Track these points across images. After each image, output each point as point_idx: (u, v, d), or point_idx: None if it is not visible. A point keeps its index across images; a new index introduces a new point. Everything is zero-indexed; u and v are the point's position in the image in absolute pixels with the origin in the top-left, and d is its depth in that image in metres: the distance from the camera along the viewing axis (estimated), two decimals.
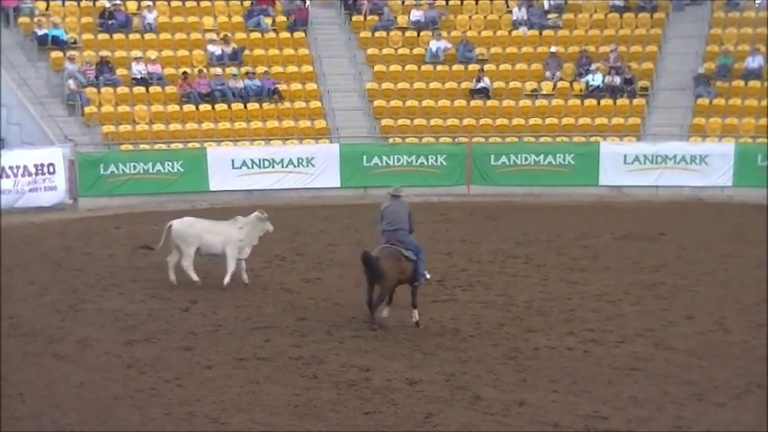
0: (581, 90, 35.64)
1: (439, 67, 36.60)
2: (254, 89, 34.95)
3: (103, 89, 33.91)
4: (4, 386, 13.80)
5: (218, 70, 35.49)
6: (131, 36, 36.12)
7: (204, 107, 34.27)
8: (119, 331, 16.84)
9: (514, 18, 38.01)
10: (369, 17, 38.04)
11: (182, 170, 31.83)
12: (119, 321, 17.48)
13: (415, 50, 37.15)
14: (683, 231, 26.42)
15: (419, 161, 32.93)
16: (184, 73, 34.68)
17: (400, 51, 37.15)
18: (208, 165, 32.02)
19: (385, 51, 37.10)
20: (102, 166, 31.24)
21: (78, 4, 36.66)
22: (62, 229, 27.15)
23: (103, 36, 35.89)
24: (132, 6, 37.12)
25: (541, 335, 16.50)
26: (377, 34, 37.51)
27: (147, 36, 36.30)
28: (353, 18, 38.10)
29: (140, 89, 34.37)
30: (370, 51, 37.06)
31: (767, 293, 19.08)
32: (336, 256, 22.67)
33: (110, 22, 36.03)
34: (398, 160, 32.93)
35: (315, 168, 32.50)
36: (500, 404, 13.21)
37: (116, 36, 35.96)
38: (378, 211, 17.49)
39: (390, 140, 34.30)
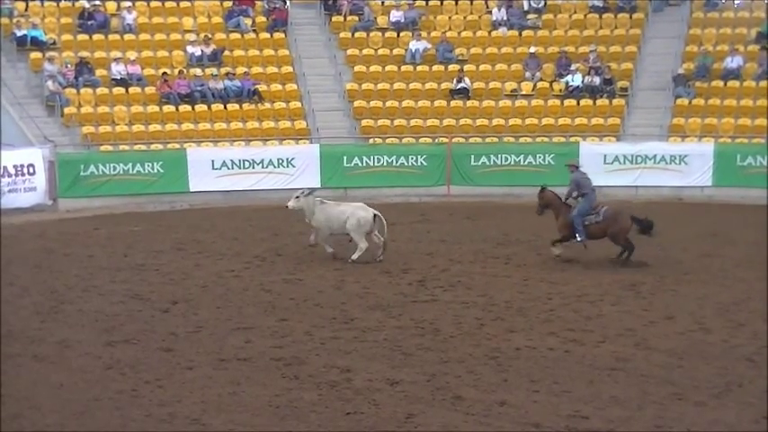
0: (561, 90, 35.75)
1: (419, 68, 36.65)
2: (233, 90, 34.93)
3: (83, 90, 33.84)
4: None
5: (198, 71, 35.46)
6: (111, 37, 36.06)
7: (184, 108, 34.23)
8: (99, 332, 16.78)
9: (494, 19, 38.10)
10: (349, 18, 38.07)
11: (162, 171, 31.80)
12: (99, 322, 17.41)
13: (395, 51, 37.19)
14: (663, 231, 26.39)
15: (399, 161, 32.96)
16: (164, 74, 34.63)
17: (380, 52, 37.18)
18: (188, 165, 31.99)
19: (365, 52, 37.12)
20: (81, 166, 31.19)
21: (57, 5, 36.57)
22: (42, 231, 27.05)
23: (83, 37, 35.81)
24: (112, 7, 37.05)
25: (522, 335, 16.51)
26: (357, 35, 37.52)
27: (126, 37, 36.24)
28: (333, 18, 38.12)
29: (120, 90, 34.31)
30: (350, 52, 37.07)
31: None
32: (317, 257, 22.63)
33: (89, 22, 35.95)
34: (378, 161, 32.96)
35: (295, 169, 32.48)
36: (481, 404, 13.20)
37: (95, 37, 35.90)
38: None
39: (370, 141, 34.32)
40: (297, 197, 22.66)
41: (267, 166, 32.47)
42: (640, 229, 22.37)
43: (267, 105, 35.10)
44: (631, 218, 22.31)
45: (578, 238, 22.23)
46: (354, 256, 22.09)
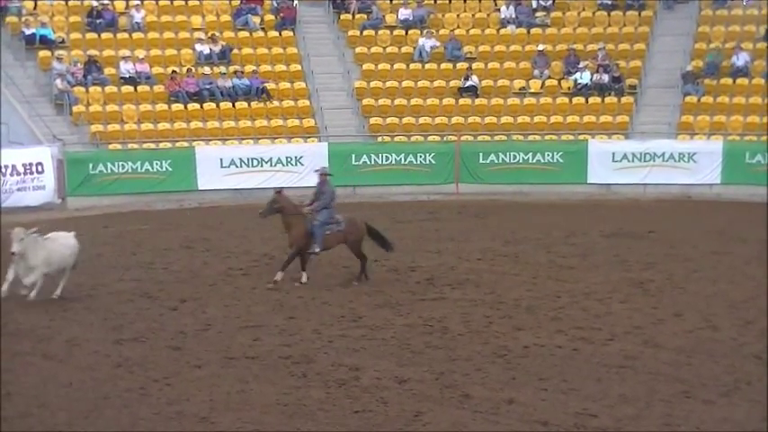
0: (569, 88, 35.70)
1: (427, 66, 36.61)
2: (242, 88, 34.94)
3: (92, 88, 33.86)
4: None
5: (207, 69, 35.47)
6: (119, 35, 36.06)
7: (193, 106, 34.24)
8: (107, 330, 16.81)
9: (503, 16, 38.05)
10: (357, 16, 38.05)
11: (170, 169, 31.84)
12: (107, 321, 17.44)
13: (404, 49, 37.16)
14: (672, 229, 26.47)
15: (408, 160, 32.96)
16: (173, 72, 34.64)
17: (389, 50, 37.14)
18: (196, 164, 32.05)
19: (373, 50, 37.11)
20: (90, 165, 31.26)
21: (66, 4, 36.60)
22: (50, 229, 27.00)
23: (91, 35, 35.82)
24: (120, 5, 37.05)
25: (530, 333, 16.51)
26: (365, 33, 37.50)
27: (135, 35, 36.24)
28: (342, 17, 38.09)
29: (129, 88, 34.33)
30: (358, 50, 37.05)
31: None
32: (324, 256, 22.61)
33: (98, 21, 35.96)
34: (387, 159, 32.96)
35: (303, 167, 32.42)
36: (489, 402, 13.20)
37: (104, 35, 35.90)
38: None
39: (379, 139, 34.33)
40: (21, 239, 18.27)
41: (275, 165, 32.49)
42: (377, 241, 21.03)
43: (276, 103, 35.11)
44: (366, 225, 20.95)
45: (316, 249, 20.49)
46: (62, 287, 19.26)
